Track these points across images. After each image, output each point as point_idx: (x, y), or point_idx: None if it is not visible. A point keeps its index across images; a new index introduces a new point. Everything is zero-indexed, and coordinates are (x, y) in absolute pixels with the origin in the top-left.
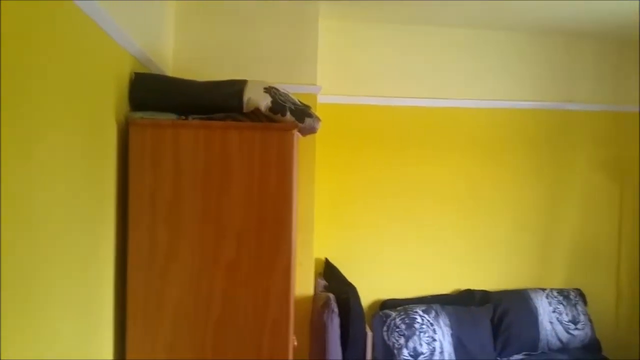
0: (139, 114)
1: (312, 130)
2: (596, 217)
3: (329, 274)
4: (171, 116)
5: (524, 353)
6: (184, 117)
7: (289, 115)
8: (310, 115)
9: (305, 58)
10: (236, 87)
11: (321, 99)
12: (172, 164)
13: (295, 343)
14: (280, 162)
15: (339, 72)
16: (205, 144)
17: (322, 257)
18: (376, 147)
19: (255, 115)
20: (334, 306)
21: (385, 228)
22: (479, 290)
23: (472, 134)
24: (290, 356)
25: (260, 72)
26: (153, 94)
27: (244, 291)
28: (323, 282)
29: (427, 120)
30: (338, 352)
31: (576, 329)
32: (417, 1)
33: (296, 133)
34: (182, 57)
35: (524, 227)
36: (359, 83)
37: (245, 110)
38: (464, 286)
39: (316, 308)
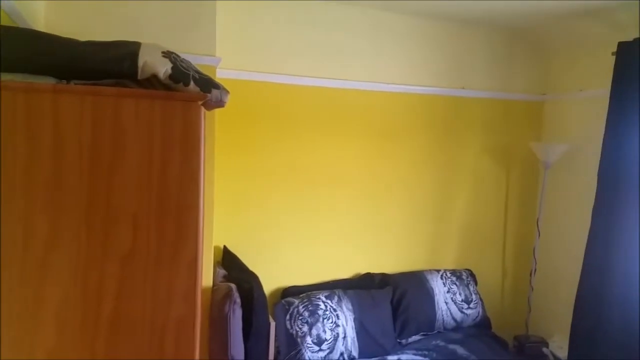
0: (8, 76)
1: (219, 103)
2: (485, 201)
3: (229, 262)
4: (50, 80)
5: (421, 333)
6: (64, 82)
7: (193, 85)
8: (217, 86)
9: (203, 25)
10: (129, 49)
11: (220, 73)
12: (51, 137)
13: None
14: (185, 138)
15: (240, 46)
16: (94, 115)
17: (220, 244)
18: (276, 128)
19: (151, 84)
20: (237, 297)
21: (285, 213)
22: (378, 274)
23: (371, 117)
24: (197, 356)
25: (150, 38)
26: (27, 53)
27: (143, 286)
28: (222, 272)
29: (327, 101)
30: (240, 346)
31: (469, 308)
32: None
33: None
34: (56, 15)
35: (419, 210)
36: (260, 59)
37: (140, 76)
38: (364, 270)
39: (216, 300)
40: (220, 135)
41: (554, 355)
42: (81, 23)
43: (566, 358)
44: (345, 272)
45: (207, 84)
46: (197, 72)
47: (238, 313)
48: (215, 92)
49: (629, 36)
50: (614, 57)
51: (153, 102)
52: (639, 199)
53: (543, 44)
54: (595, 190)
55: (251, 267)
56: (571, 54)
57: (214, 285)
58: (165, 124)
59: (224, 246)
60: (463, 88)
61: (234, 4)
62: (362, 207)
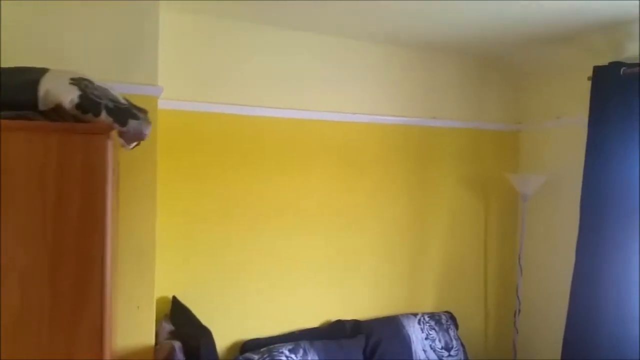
0: None
1: (139, 136)
2: (463, 236)
3: (178, 315)
4: None
5: None
6: None
7: (105, 116)
8: (135, 117)
9: (143, 53)
10: (31, 76)
11: (164, 104)
12: None
13: None
14: (87, 177)
15: (187, 74)
16: None
17: (169, 295)
18: (232, 164)
19: (60, 116)
20: (180, 357)
21: (244, 256)
22: (349, 320)
23: (338, 149)
24: None
25: (82, 67)
26: None
27: None
28: (169, 327)
29: (289, 133)
30: None
31: (449, 355)
32: (279, 1)
33: (114, 138)
34: None
35: (393, 248)
36: (211, 88)
37: (41, 107)
38: (334, 316)
39: None
40: (166, 173)
41: None
42: (11, 49)
43: None
44: (313, 319)
45: (124, 115)
46: (115, 100)
47: None
48: (133, 123)
49: (605, 60)
50: (590, 82)
51: (47, 136)
52: (625, 231)
53: (517, 71)
54: (578, 223)
55: (206, 319)
56: (546, 81)
57: (156, 343)
58: (62, 162)
59: (173, 297)
60: (434, 118)
61: (182, 30)
62: (331, 247)
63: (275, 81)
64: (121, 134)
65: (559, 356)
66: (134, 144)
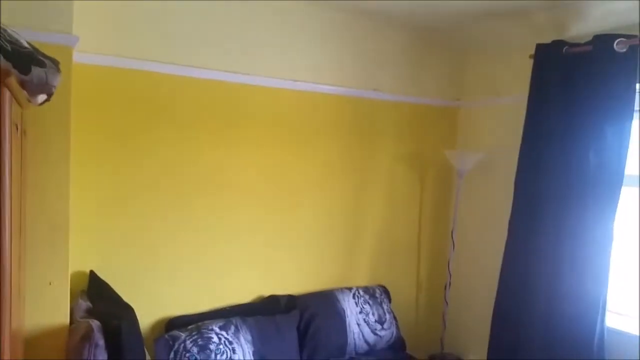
0: None
1: (45, 87)
2: (398, 212)
3: (95, 292)
4: None
5: None
6: None
7: (3, 60)
8: (40, 64)
9: None
10: None
11: (81, 57)
12: None
13: None
14: None
15: (109, 25)
16: None
17: (86, 269)
18: (159, 128)
19: None
20: (99, 338)
21: (171, 227)
22: (284, 296)
23: (274, 118)
24: None
25: None
26: None
27: None
28: (85, 305)
29: (222, 97)
30: None
31: (382, 329)
32: None
33: (15, 89)
34: None
35: (329, 223)
36: (137, 42)
37: None
38: (268, 292)
39: (73, 342)
40: (83, 136)
41: None
42: None
43: None
44: (246, 295)
45: (26, 60)
46: (14, 43)
47: (101, 358)
48: (37, 71)
49: (548, 39)
50: (532, 60)
51: None
52: (558, 209)
53: (459, 46)
54: (511, 201)
55: (127, 296)
56: (488, 58)
57: (71, 322)
58: None
59: (91, 271)
60: (375, 90)
61: None
62: (264, 221)
63: (208, 41)
64: (23, 84)
65: (487, 328)
66: (43, 98)
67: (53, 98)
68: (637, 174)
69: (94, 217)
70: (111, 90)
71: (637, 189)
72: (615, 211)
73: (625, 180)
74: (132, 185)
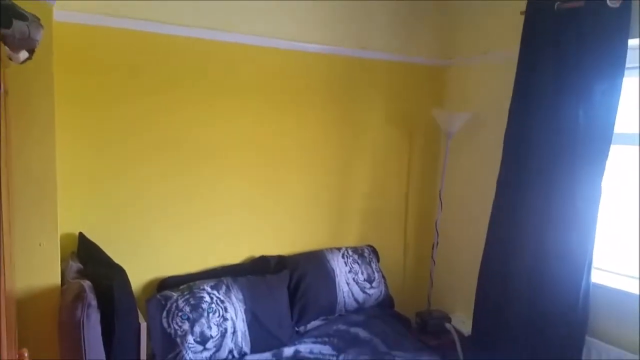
0: None
1: (28, 42)
2: (387, 172)
3: (86, 253)
4: None
5: (321, 318)
6: None
7: None
8: (22, 17)
9: None
10: None
11: (62, 15)
12: None
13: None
14: None
15: None
16: None
17: (75, 231)
18: (145, 89)
19: None
20: (91, 298)
21: (160, 189)
22: (274, 256)
23: (261, 78)
24: None
25: None
26: None
27: None
28: (76, 266)
29: (209, 57)
30: (99, 356)
31: (371, 287)
32: None
33: None
34: None
35: (317, 184)
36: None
37: None
38: (257, 253)
39: (66, 303)
40: (68, 96)
41: (456, 331)
42: None
43: (469, 332)
44: (236, 256)
45: (5, 13)
46: None
47: (95, 317)
48: (19, 25)
49: None
50: (523, 16)
51: None
52: (546, 166)
53: (449, 2)
54: (500, 160)
55: (118, 257)
56: (478, 15)
57: (63, 284)
58: None
59: (80, 233)
60: (364, 48)
61: None
62: (253, 182)
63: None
64: (5, 40)
65: (474, 286)
66: (25, 56)
67: (35, 57)
68: (637, 132)
69: (82, 180)
70: (95, 50)
71: (637, 147)
72: (604, 169)
73: (616, 139)
74: (119, 147)
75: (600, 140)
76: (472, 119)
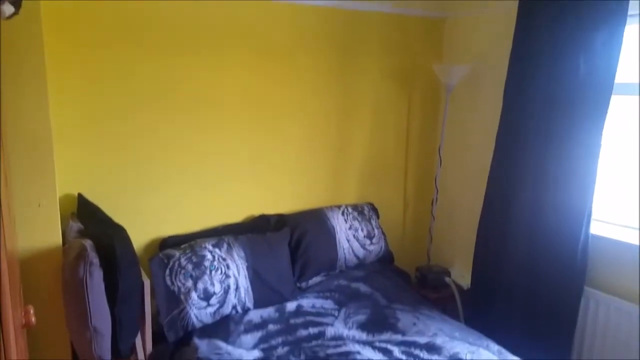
0: None
1: None
2: (386, 128)
3: (86, 213)
4: None
5: (322, 274)
6: None
7: None
8: None
9: None
10: None
11: None
12: None
13: (33, 319)
14: None
15: None
16: None
17: (74, 192)
18: (138, 38)
19: None
20: (93, 256)
21: (159, 150)
22: (274, 215)
23: (256, 34)
24: (13, 345)
25: None
26: None
27: None
28: (77, 226)
29: (204, 13)
30: (104, 313)
31: (371, 244)
32: None
33: None
34: None
35: (316, 142)
36: None
37: None
38: (257, 211)
39: (68, 261)
40: (60, 53)
41: (455, 285)
42: None
43: (468, 286)
44: (236, 215)
45: None
46: None
47: (97, 275)
48: None
49: None
50: None
51: None
52: (546, 118)
53: None
54: (500, 113)
55: (117, 218)
56: None
57: (64, 243)
58: None
59: (79, 194)
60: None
61: None
62: (253, 141)
63: None
64: None
65: (472, 241)
66: (10, 10)
67: (22, 12)
68: (638, 82)
69: (78, 139)
70: (84, 8)
71: (638, 97)
72: (604, 120)
73: (616, 89)
74: (116, 106)
75: (600, 90)
76: (471, 71)
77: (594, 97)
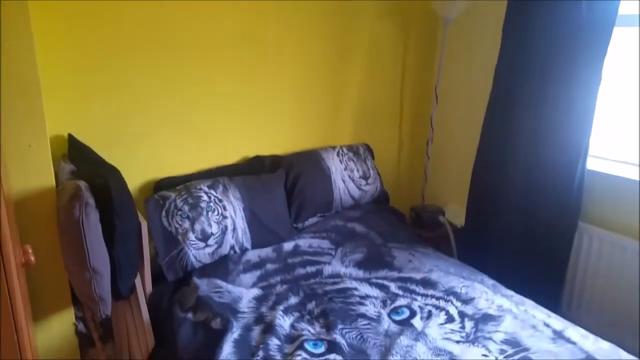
0: None
1: None
2: (382, 68)
3: (78, 155)
4: None
5: (318, 215)
6: None
7: None
8: None
9: None
10: None
11: None
12: None
13: (32, 258)
14: None
15: None
16: None
17: (64, 133)
18: None
19: None
20: (88, 197)
21: (150, 90)
22: (269, 156)
23: None
24: (16, 281)
25: None
26: None
27: None
28: (69, 167)
29: None
30: (102, 254)
31: (367, 184)
32: None
33: None
34: None
35: (311, 82)
36: None
37: None
38: (252, 153)
39: (63, 203)
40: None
41: (450, 224)
42: None
43: (462, 225)
44: (230, 157)
45: None
46: None
47: (94, 216)
48: None
49: None
50: None
51: None
52: (545, 53)
53: None
54: (499, 48)
55: (111, 159)
56: None
57: (57, 184)
58: None
59: (69, 135)
60: None
61: None
62: (246, 81)
63: None
64: None
65: (467, 180)
66: None
67: None
68: (638, 13)
69: (67, 79)
70: None
71: (638, 29)
72: (605, 53)
73: (617, 21)
74: (106, 47)
75: (602, 23)
76: (471, 4)
77: (595, 31)
